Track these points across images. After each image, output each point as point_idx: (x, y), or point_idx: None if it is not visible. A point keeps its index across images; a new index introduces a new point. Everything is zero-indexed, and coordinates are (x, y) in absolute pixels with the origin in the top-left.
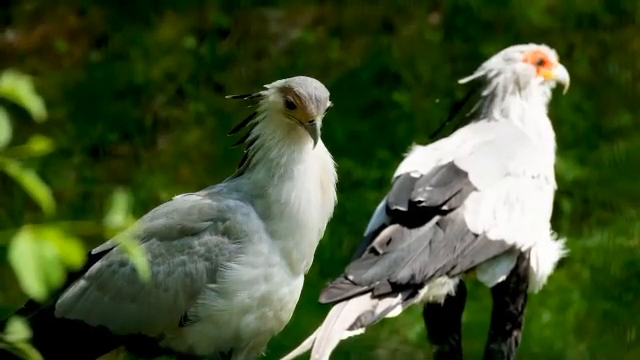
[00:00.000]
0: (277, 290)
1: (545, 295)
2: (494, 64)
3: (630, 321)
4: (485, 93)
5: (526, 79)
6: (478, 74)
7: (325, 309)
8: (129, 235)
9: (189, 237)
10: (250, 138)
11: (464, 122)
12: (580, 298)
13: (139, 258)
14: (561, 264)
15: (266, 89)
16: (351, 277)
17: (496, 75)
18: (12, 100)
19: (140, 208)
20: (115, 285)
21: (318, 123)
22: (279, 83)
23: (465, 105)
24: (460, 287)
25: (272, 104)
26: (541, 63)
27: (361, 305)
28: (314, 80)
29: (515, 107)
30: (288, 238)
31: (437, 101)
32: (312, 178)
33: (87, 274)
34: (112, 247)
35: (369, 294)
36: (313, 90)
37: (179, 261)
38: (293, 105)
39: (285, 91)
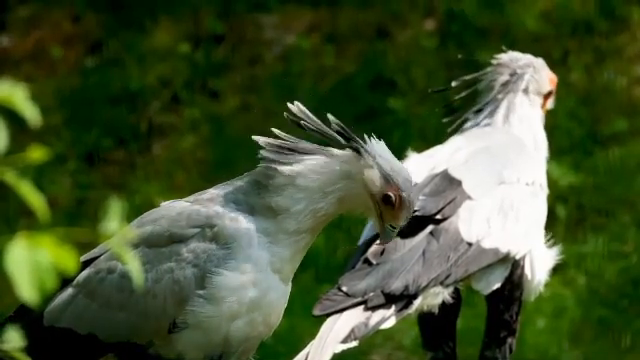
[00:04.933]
0: (266, 295)
1: (540, 301)
2: (523, 58)
3: (625, 327)
4: (503, 79)
5: (543, 88)
6: (512, 64)
7: (319, 317)
8: (121, 241)
9: (177, 244)
10: (309, 165)
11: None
12: (575, 304)
13: (132, 263)
14: (556, 270)
15: (360, 141)
16: (344, 288)
17: (525, 66)
18: (7, 106)
19: (135, 214)
20: (103, 293)
21: (397, 230)
22: (384, 165)
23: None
24: (455, 294)
25: (365, 180)
26: (548, 94)
27: (354, 317)
28: (414, 187)
29: (522, 107)
30: (284, 262)
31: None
32: (321, 228)
33: (75, 282)
34: (100, 254)
35: (362, 306)
36: (414, 200)
37: (167, 268)
38: (390, 202)
39: (390, 186)
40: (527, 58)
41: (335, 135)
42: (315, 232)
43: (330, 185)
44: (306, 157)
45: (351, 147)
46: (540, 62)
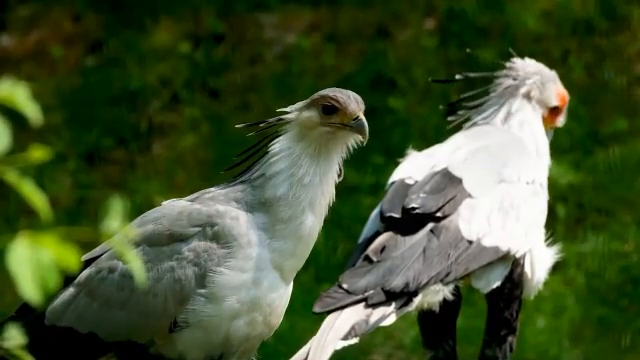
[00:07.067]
0: (266, 295)
1: (540, 300)
2: (533, 65)
3: (625, 326)
4: (508, 83)
5: (547, 99)
6: (521, 69)
7: (319, 315)
8: (123, 240)
9: (178, 243)
10: (269, 154)
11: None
12: (575, 303)
13: (134, 262)
14: (556, 269)
15: (283, 112)
16: (345, 286)
17: (532, 73)
18: (8, 105)
19: (135, 213)
20: (104, 292)
21: (363, 118)
22: (303, 102)
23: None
24: (455, 293)
25: (305, 120)
26: (556, 110)
27: (355, 314)
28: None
29: (522, 112)
30: (286, 255)
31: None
32: (324, 204)
33: (76, 281)
34: (101, 254)
35: (363, 303)
36: (347, 91)
37: (168, 267)
38: (332, 109)
39: (318, 101)
40: (537, 66)
41: (269, 122)
42: (316, 210)
43: (294, 154)
44: (265, 158)
45: (278, 120)
46: (551, 74)
